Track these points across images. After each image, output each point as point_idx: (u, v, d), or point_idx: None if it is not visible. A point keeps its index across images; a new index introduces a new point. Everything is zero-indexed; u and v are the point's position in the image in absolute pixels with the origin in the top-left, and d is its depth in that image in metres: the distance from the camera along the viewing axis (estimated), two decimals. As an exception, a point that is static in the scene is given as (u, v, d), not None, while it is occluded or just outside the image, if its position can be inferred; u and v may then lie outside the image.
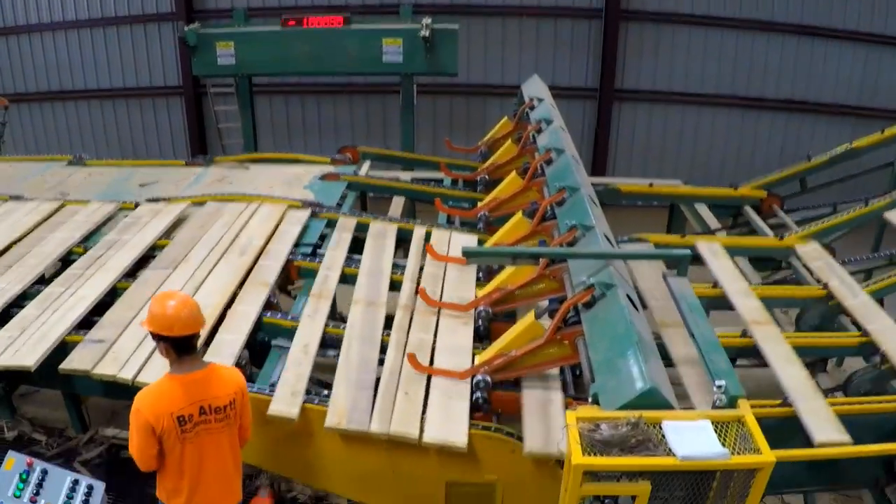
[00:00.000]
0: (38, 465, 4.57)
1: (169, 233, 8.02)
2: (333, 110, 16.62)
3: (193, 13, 16.13)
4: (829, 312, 6.89)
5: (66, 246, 7.68)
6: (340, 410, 5.23)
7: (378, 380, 5.55)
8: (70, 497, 4.52)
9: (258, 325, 6.36)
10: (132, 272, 7.28)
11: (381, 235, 7.88)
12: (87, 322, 6.38)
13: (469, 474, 5.14)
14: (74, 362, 5.71)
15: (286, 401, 5.30)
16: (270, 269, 7.13)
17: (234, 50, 12.85)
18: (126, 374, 5.54)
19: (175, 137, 17.32)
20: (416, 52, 12.63)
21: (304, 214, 8.17)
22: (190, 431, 4.46)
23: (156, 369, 5.44)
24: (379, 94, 16.11)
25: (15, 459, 4.50)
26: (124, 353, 5.80)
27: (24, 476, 4.43)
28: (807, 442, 5.02)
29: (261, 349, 6.27)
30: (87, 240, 7.91)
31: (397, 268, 7.26)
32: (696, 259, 7.60)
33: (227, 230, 7.82)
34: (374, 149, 11.05)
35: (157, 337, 4.48)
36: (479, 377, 5.39)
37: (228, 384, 4.66)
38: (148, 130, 17.33)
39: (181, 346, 4.49)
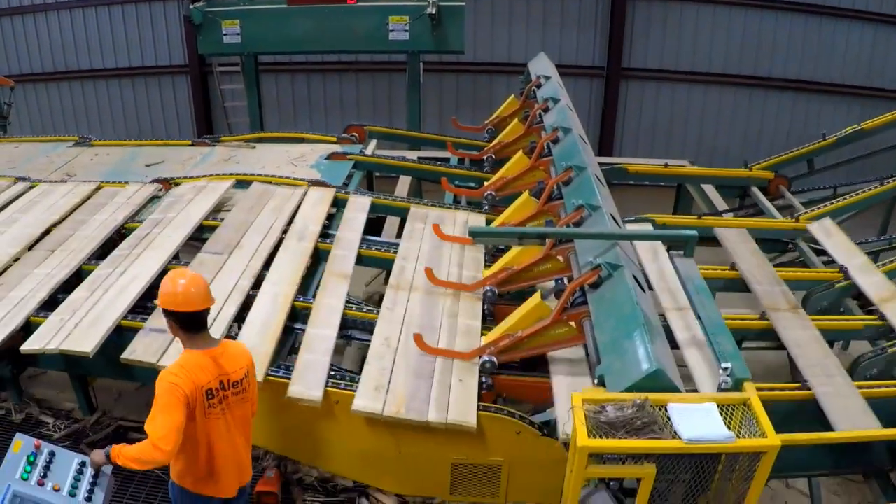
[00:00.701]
0: (46, 448, 4.57)
1: (215, 212, 7.97)
2: (339, 89, 16.57)
3: (199, -9, 16.07)
4: (836, 296, 6.89)
5: (109, 228, 7.61)
6: (399, 399, 5.19)
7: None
8: (77, 479, 4.52)
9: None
10: (178, 255, 7.20)
11: (441, 221, 7.81)
12: (139, 306, 6.35)
13: (475, 455, 5.15)
14: (137, 353, 5.60)
15: (370, 396, 5.22)
16: (346, 260, 6.99)
17: (239, 28, 12.79)
18: None
19: (181, 116, 17.29)
20: (422, 30, 12.56)
21: (367, 201, 8.07)
22: (215, 406, 4.48)
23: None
24: (385, 72, 16.05)
25: (22, 442, 4.50)
26: None
27: (31, 458, 4.43)
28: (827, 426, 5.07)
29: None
30: (131, 221, 7.88)
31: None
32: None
33: (279, 214, 7.68)
34: (381, 128, 11.02)
35: (167, 313, 4.48)
36: (484, 358, 5.39)
37: (241, 358, 4.67)
38: (154, 110, 17.29)
39: (190, 323, 4.48)
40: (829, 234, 7.70)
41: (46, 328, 5.93)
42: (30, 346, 5.78)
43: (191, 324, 4.49)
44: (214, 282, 6.40)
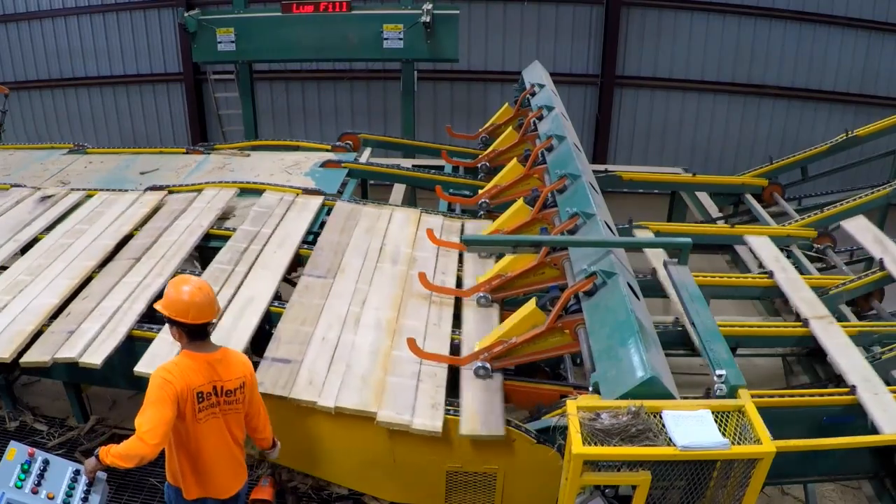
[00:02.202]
0: (40, 456, 4.57)
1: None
2: (334, 97, 16.58)
3: (193, -1, 16.11)
4: (830, 302, 6.93)
5: (196, 235, 7.37)
6: (471, 416, 5.10)
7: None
8: (72, 487, 4.51)
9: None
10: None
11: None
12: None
13: (470, 463, 5.14)
14: (266, 385, 5.26)
15: (428, 414, 5.11)
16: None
17: (234, 36, 12.82)
18: (327, 402, 5.15)
19: (175, 124, 17.29)
20: (416, 38, 12.60)
21: (439, 221, 7.94)
22: (204, 410, 4.48)
23: (351, 392, 5.24)
24: (380, 80, 16.05)
25: (17, 450, 4.49)
26: (318, 376, 5.39)
27: (25, 466, 4.43)
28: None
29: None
30: (217, 229, 7.69)
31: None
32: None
33: (372, 236, 7.48)
34: (375, 136, 11.02)
35: (171, 321, 4.48)
36: (477, 364, 5.39)
37: (238, 368, 4.66)
38: (148, 117, 17.29)
39: (194, 333, 4.50)
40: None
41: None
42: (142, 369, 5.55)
43: (198, 333, 4.52)
44: (326, 308, 6.22)
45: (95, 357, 5.59)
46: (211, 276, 6.59)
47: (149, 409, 4.29)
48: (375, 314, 6.18)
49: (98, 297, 6.37)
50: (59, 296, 6.42)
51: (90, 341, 5.74)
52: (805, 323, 6.40)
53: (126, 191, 8.50)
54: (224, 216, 7.92)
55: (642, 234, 7.85)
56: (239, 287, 6.47)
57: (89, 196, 8.42)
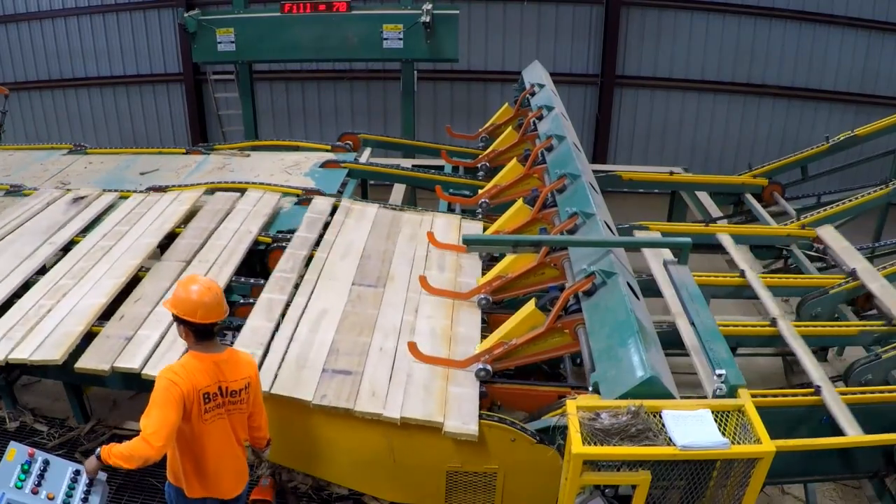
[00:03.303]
0: (40, 456, 4.56)
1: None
2: (334, 97, 16.57)
3: (193, -1, 16.11)
4: (830, 301, 6.92)
5: (246, 241, 7.24)
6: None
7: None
8: (72, 488, 4.51)
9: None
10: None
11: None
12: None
13: (470, 463, 5.14)
14: (330, 398, 5.16)
15: (462, 419, 5.08)
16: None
17: (234, 36, 12.81)
18: (392, 414, 5.04)
19: (175, 125, 17.28)
20: (416, 38, 12.59)
21: (478, 227, 7.85)
22: (210, 411, 4.49)
23: (415, 403, 5.14)
24: (379, 80, 16.05)
25: (17, 450, 4.49)
26: (380, 387, 5.29)
27: (25, 467, 4.42)
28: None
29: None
30: (267, 232, 7.57)
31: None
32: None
33: (417, 243, 7.39)
34: (375, 136, 11.02)
35: (178, 320, 4.49)
36: (479, 366, 5.38)
37: (244, 369, 4.68)
38: (148, 118, 17.28)
39: (202, 333, 4.51)
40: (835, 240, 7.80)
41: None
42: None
43: (205, 333, 4.52)
44: (380, 318, 6.14)
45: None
46: (276, 284, 6.52)
47: (154, 410, 4.30)
48: (429, 322, 6.11)
49: (152, 300, 6.30)
50: (106, 295, 6.36)
51: (151, 351, 5.66)
52: (773, 322, 6.40)
53: (166, 190, 8.44)
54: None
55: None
56: (310, 297, 6.36)
57: (123, 197, 8.37)
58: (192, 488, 4.71)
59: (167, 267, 6.82)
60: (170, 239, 7.36)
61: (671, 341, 5.97)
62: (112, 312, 6.19)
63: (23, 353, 5.66)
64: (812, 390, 5.41)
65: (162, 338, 5.79)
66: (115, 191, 8.52)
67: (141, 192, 8.45)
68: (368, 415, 5.05)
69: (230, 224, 7.55)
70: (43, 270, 6.96)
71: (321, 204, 7.99)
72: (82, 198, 8.29)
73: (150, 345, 5.69)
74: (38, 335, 5.86)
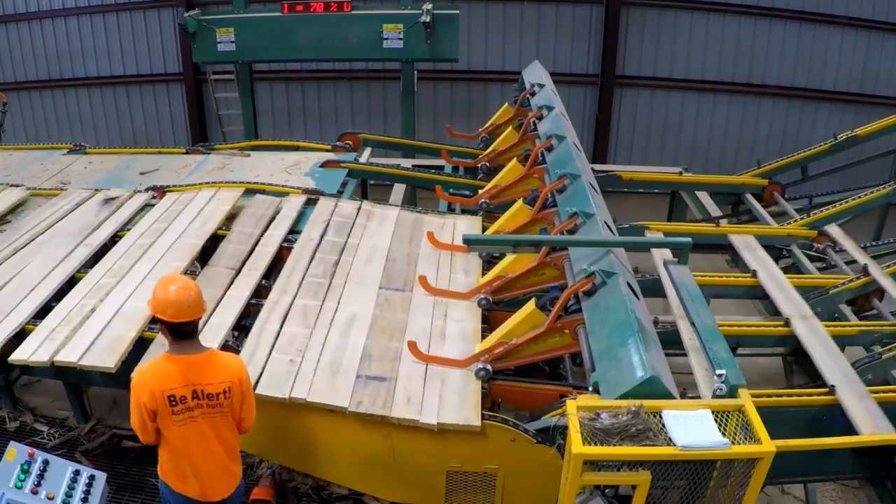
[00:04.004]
0: (40, 456, 4.58)
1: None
2: (334, 97, 16.58)
3: (193, -1, 16.11)
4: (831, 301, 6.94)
5: (309, 249, 7.07)
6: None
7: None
8: (71, 488, 4.52)
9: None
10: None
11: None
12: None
13: (470, 463, 5.14)
14: (366, 405, 5.11)
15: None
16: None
17: (234, 36, 12.82)
18: (429, 420, 5.00)
19: (175, 124, 17.29)
20: (416, 38, 12.60)
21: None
22: (181, 413, 4.46)
23: (451, 409, 5.10)
24: (379, 80, 16.06)
25: (16, 450, 4.50)
26: (414, 393, 5.24)
27: (25, 467, 4.43)
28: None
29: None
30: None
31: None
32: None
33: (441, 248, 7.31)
34: (375, 135, 11.01)
35: (156, 319, 4.51)
36: (479, 365, 5.38)
37: (225, 372, 4.61)
38: (148, 118, 17.29)
39: (176, 332, 4.50)
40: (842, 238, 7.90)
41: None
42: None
43: (179, 333, 4.51)
44: (410, 320, 6.09)
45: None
46: (309, 289, 6.46)
47: (132, 411, 4.49)
48: (460, 326, 6.07)
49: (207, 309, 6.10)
50: None
51: None
52: (787, 322, 6.42)
53: (200, 189, 8.36)
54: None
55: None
56: (339, 302, 6.31)
57: (149, 205, 8.27)
58: (176, 485, 4.71)
59: (217, 273, 6.69)
60: (212, 240, 7.29)
61: (672, 341, 6.00)
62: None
63: (70, 356, 5.57)
64: (826, 390, 5.47)
65: (220, 349, 5.54)
66: (21, 187, 8.65)
67: (140, 191, 8.44)
68: (406, 421, 5.02)
69: (276, 231, 7.43)
70: (72, 281, 6.80)
71: (346, 208, 7.94)
72: (113, 198, 8.24)
73: None
74: (84, 336, 5.79)
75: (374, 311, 6.18)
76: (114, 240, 7.48)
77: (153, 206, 8.11)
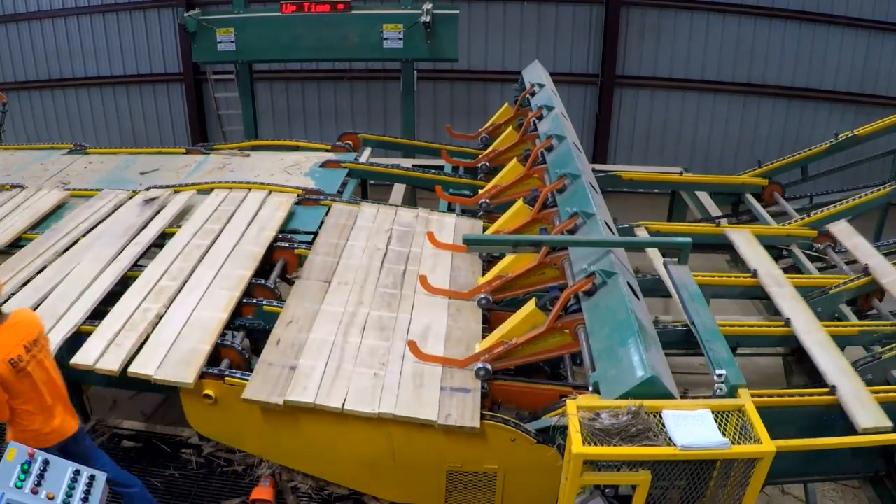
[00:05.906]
0: (40, 456, 4.56)
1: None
2: (334, 97, 16.59)
3: (193, -1, 16.12)
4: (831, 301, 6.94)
5: (377, 267, 6.94)
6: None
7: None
8: (72, 488, 4.51)
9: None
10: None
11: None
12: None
13: (470, 463, 5.14)
14: (453, 418, 5.05)
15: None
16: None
17: (234, 36, 12.84)
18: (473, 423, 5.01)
19: (175, 124, 17.31)
20: (416, 38, 12.62)
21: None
22: (25, 368, 4.84)
23: (460, 412, 5.11)
24: (379, 80, 16.07)
25: (16, 450, 4.48)
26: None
27: (25, 467, 4.42)
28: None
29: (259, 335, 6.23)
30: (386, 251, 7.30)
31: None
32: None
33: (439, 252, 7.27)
34: (375, 135, 11.00)
35: None
36: (479, 365, 5.38)
37: (32, 321, 5.11)
38: (148, 117, 17.31)
39: None
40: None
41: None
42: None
43: None
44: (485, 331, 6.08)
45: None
46: (382, 300, 6.40)
47: None
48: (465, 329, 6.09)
49: (305, 325, 6.02)
50: (226, 310, 6.12)
51: (319, 383, 5.38)
52: (787, 322, 6.43)
53: (249, 188, 8.29)
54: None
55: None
56: (411, 313, 6.25)
57: (178, 191, 8.29)
58: (38, 438, 4.97)
59: (309, 287, 6.57)
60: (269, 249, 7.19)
61: (672, 341, 6.00)
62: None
63: (145, 369, 5.45)
64: (826, 390, 5.48)
65: (326, 366, 5.54)
66: (22, 186, 8.68)
67: (140, 191, 8.43)
68: (425, 420, 5.03)
69: (356, 242, 7.32)
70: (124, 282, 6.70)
71: (406, 216, 7.87)
72: (154, 198, 8.11)
73: (317, 377, 5.42)
74: (157, 347, 5.67)
75: (447, 322, 6.13)
76: (162, 238, 7.42)
77: (199, 203, 8.00)
